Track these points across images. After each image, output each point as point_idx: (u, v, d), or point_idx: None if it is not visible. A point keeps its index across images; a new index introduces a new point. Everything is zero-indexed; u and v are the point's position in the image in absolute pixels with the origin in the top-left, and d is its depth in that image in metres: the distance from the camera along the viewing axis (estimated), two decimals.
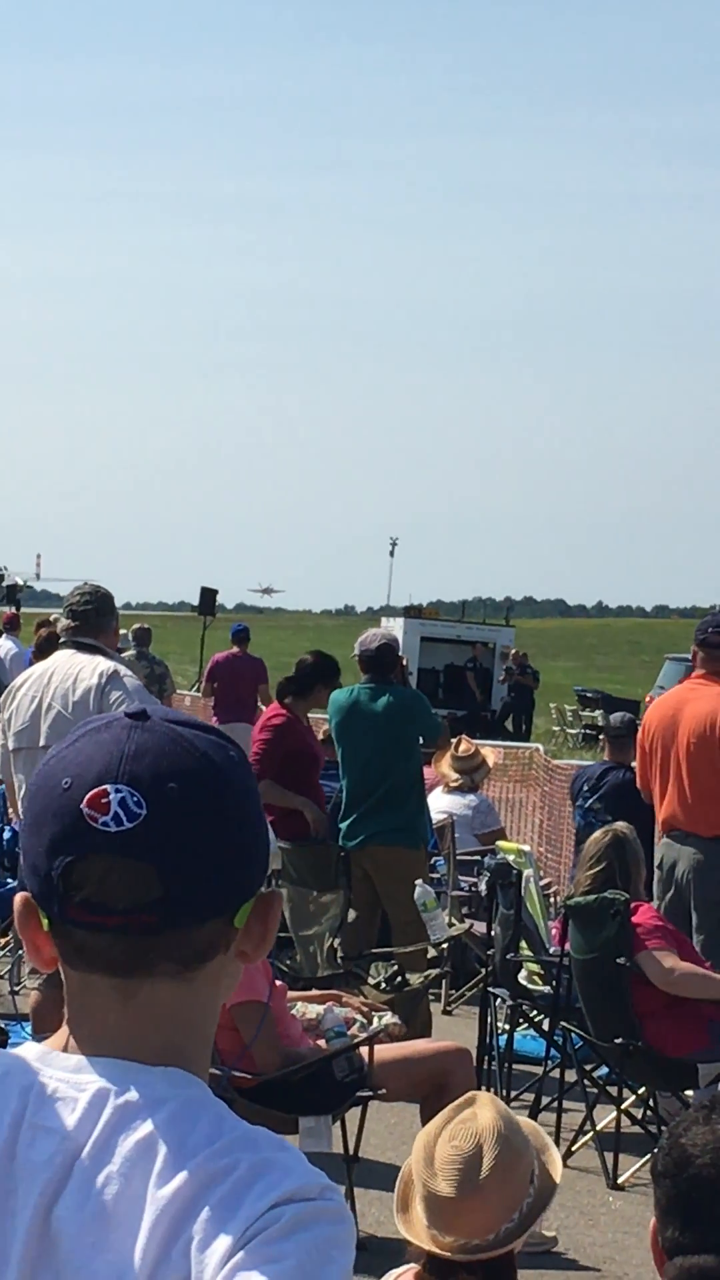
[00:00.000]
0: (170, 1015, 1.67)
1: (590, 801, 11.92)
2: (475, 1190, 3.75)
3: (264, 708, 21.07)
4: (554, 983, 8.91)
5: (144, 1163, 1.59)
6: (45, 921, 1.68)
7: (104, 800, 1.63)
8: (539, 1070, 9.11)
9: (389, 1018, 7.44)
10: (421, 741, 10.44)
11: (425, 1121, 7.24)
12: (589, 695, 46.32)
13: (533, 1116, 8.44)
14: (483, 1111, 3.87)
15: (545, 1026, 9.16)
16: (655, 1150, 7.21)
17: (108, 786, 1.63)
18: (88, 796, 1.63)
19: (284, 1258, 1.51)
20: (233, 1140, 1.60)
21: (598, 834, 8.24)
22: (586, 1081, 8.42)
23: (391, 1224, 7.13)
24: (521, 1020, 9.45)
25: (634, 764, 9.88)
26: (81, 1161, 1.61)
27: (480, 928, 10.44)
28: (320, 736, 11.84)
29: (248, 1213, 1.54)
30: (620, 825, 8.29)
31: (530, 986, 9.56)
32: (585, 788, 12.07)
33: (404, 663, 10.72)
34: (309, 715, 11.40)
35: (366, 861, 9.90)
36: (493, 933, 9.45)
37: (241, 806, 1.68)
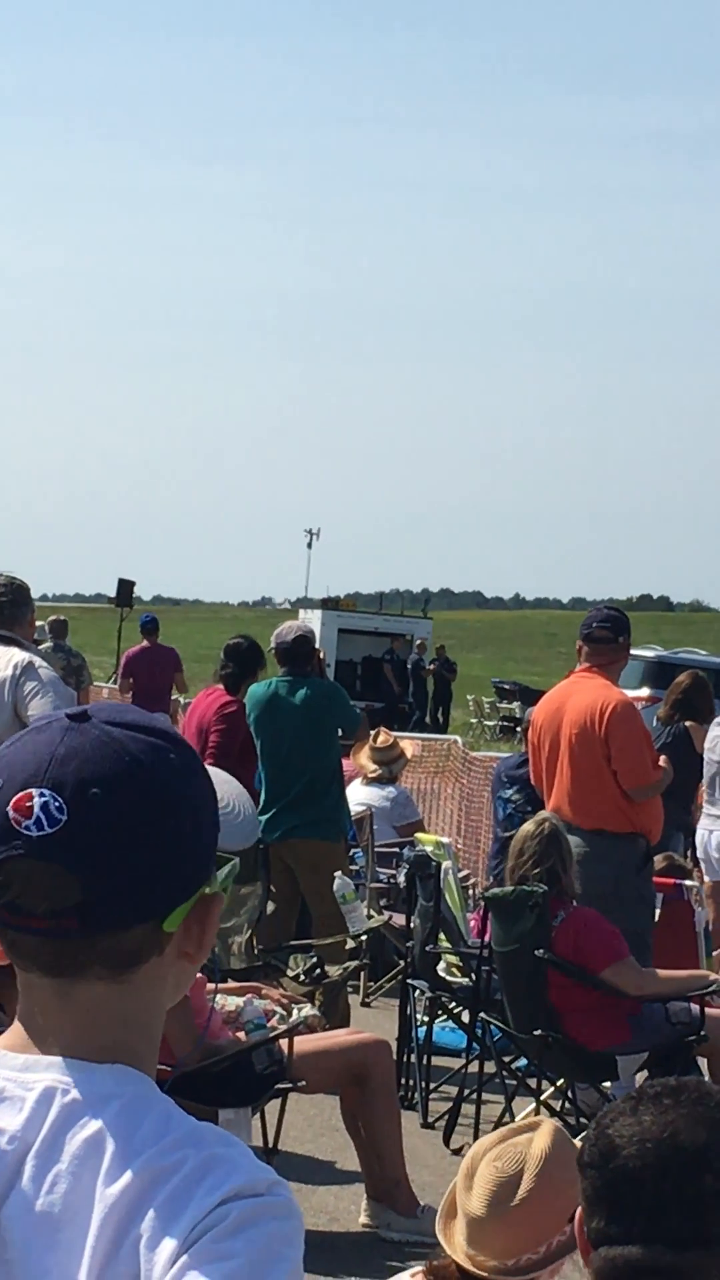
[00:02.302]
0: (111, 1015, 1.67)
1: (510, 793, 11.96)
2: (501, 1215, 3.69)
3: (178, 697, 21.18)
4: (473, 975, 8.92)
5: (92, 1161, 1.59)
6: None
7: (28, 804, 1.63)
8: (458, 1062, 9.12)
9: (308, 1010, 7.44)
10: (341, 733, 10.43)
11: (345, 1113, 7.26)
12: (506, 687, 46.58)
13: (454, 1109, 8.46)
14: (539, 1139, 3.80)
15: (464, 1018, 9.17)
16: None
17: (33, 790, 1.64)
18: (14, 799, 1.64)
19: (232, 1256, 1.51)
20: (180, 1137, 1.60)
21: (530, 826, 8.19)
22: (505, 1073, 8.44)
23: (310, 1216, 7.15)
24: (440, 1012, 9.46)
25: None
26: (30, 1160, 1.61)
27: (399, 919, 10.45)
28: None
29: (195, 1210, 1.54)
30: (552, 817, 8.28)
31: (449, 978, 9.58)
32: (505, 779, 12.11)
33: (321, 655, 10.72)
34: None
35: (287, 854, 9.89)
36: (411, 925, 9.46)
37: (172, 812, 1.67)
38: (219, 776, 1.74)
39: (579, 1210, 2.27)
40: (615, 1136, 2.23)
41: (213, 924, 1.72)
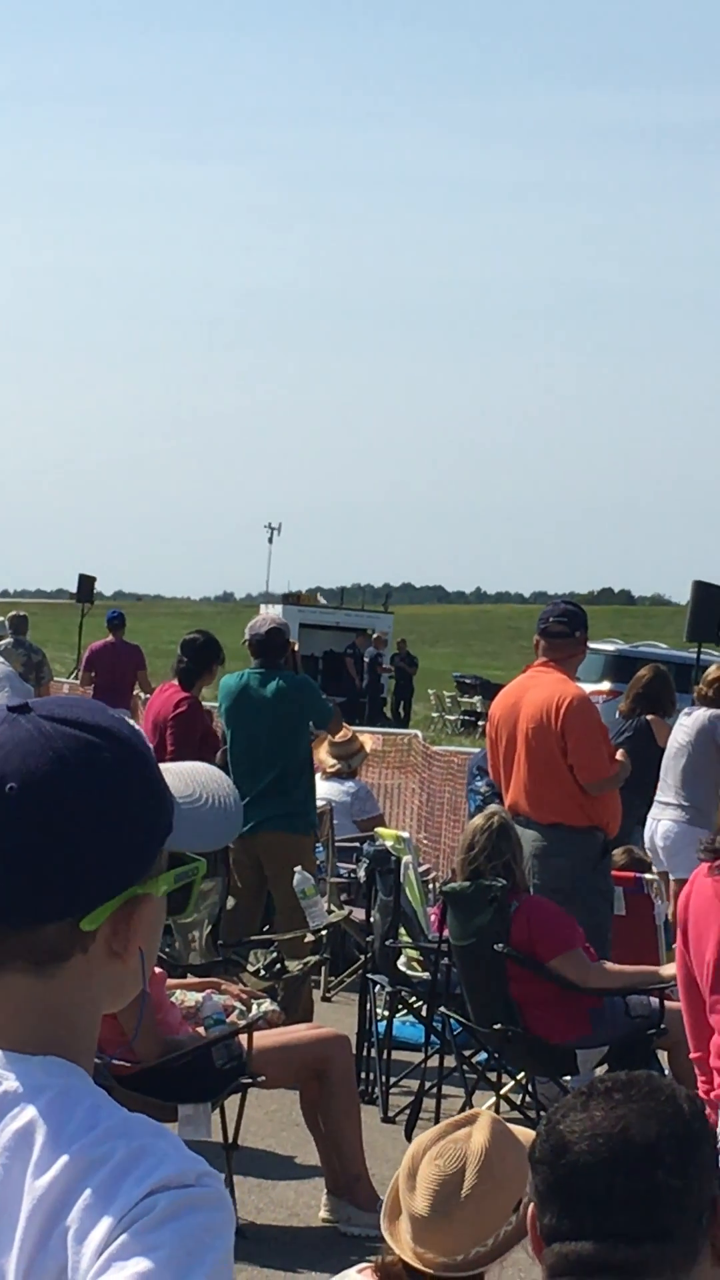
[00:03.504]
0: (36, 1008, 1.66)
1: (481, 784, 12.01)
2: (447, 1214, 3.69)
3: (141, 694, 21.17)
4: (433, 969, 8.94)
5: (22, 1152, 1.58)
6: None
7: None
8: (418, 1056, 9.14)
9: (268, 1005, 7.44)
10: (313, 726, 10.45)
11: (305, 1108, 7.27)
12: (468, 681, 46.68)
13: (415, 1103, 8.48)
14: (478, 1134, 3.79)
15: (424, 1013, 9.19)
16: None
17: None
18: None
19: (158, 1247, 1.50)
20: (109, 1128, 1.59)
21: (479, 820, 8.24)
22: (465, 1067, 8.45)
23: (270, 1211, 7.16)
24: (401, 1006, 9.47)
25: None
26: None
27: (359, 914, 10.46)
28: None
29: (123, 1201, 1.53)
30: (501, 811, 8.32)
31: (409, 973, 9.59)
32: (476, 770, 12.18)
33: (295, 647, 10.73)
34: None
35: (256, 847, 9.86)
36: (372, 919, 9.47)
37: (92, 811, 1.65)
38: (199, 770, 1.72)
39: (532, 1205, 2.28)
40: (566, 1132, 2.23)
41: (144, 926, 1.71)
